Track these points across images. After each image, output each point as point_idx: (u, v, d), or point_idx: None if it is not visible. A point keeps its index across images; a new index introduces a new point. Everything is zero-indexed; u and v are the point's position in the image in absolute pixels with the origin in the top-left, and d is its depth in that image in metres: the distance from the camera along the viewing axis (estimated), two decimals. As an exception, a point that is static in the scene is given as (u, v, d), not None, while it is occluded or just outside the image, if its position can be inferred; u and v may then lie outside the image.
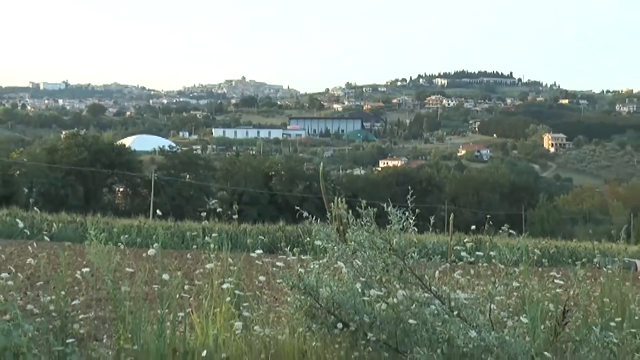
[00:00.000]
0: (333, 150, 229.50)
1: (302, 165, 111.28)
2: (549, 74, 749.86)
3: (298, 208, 9.02)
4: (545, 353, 7.39)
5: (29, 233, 10.57)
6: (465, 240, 11.11)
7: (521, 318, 7.79)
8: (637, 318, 8.73)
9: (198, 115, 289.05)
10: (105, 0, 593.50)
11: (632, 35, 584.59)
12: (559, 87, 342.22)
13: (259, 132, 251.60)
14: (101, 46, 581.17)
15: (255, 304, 8.33)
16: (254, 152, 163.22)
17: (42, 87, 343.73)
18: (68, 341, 7.27)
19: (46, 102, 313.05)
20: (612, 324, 8.59)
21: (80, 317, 8.19)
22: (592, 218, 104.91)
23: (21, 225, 8.75)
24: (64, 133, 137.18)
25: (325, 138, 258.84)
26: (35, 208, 45.47)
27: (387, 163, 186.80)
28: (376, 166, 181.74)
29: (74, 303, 8.16)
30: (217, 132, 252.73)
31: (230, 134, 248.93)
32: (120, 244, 8.13)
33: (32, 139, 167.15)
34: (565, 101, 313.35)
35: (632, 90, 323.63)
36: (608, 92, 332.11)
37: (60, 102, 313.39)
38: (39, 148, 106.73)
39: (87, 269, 8.15)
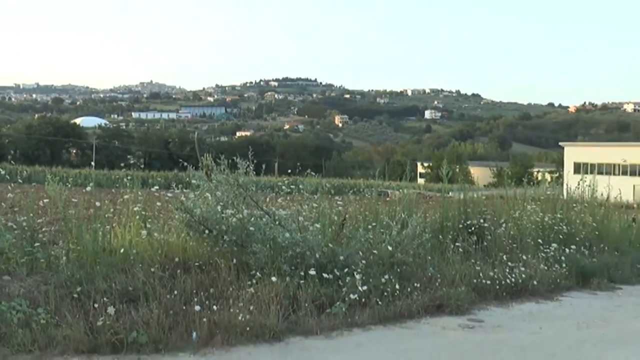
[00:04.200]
0: (207, 126, 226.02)
1: (188, 135, 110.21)
2: (338, 79, 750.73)
3: (181, 160, 8.91)
4: (330, 245, 7.58)
5: (9, 178, 10.17)
6: (285, 179, 11.17)
7: (316, 225, 7.94)
8: (384, 223, 9.01)
9: (123, 104, 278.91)
10: (69, 24, 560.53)
11: (392, 50, 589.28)
12: (344, 87, 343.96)
13: (161, 115, 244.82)
14: (60, 58, 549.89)
15: (155, 219, 8.23)
16: (158, 127, 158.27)
17: (21, 86, 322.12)
18: (35, 245, 7.09)
19: (24, 96, 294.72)
20: (369, 227, 8.87)
21: (43, 229, 7.95)
22: (362, 165, 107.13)
23: (2, 172, 8.38)
24: (36, 116, 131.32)
25: (202, 118, 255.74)
26: (12, 162, 43.57)
27: (242, 133, 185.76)
28: (234, 135, 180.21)
29: (39, 221, 7.92)
30: (135, 115, 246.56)
31: (143, 116, 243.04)
32: (68, 184, 7.88)
33: (16, 119, 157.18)
34: (348, 95, 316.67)
35: (386, 90, 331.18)
36: (372, 90, 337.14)
37: (34, 95, 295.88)
38: (21, 125, 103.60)
39: (47, 200, 7.90)
